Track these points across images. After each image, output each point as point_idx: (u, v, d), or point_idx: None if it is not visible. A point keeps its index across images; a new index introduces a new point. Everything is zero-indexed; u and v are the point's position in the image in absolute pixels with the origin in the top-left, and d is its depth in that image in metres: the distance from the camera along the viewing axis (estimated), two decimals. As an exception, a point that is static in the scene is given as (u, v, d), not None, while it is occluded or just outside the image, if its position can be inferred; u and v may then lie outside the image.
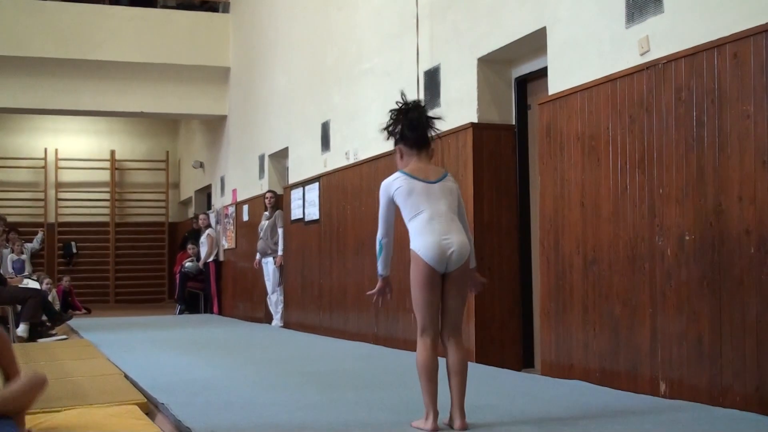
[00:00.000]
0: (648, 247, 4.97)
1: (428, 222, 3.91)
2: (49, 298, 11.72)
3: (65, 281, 15.94)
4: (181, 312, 14.71)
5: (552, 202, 5.88)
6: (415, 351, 7.18)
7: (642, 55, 5.08)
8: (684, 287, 4.68)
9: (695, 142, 4.65)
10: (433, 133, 4.11)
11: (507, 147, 6.84)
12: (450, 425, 3.83)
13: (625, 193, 5.18)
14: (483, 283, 4.27)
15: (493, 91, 6.92)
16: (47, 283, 12.71)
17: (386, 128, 4.13)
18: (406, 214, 4.00)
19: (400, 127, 4.08)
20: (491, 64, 6.89)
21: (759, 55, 4.26)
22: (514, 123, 6.95)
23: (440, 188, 3.99)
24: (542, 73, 6.27)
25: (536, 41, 6.24)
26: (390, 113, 4.12)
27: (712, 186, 4.53)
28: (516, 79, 6.94)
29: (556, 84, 5.90)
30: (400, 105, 4.10)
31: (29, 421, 3.79)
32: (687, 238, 4.68)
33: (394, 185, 4.00)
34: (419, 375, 3.88)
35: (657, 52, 4.96)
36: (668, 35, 4.89)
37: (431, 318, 3.92)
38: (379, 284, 4.13)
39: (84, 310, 15.63)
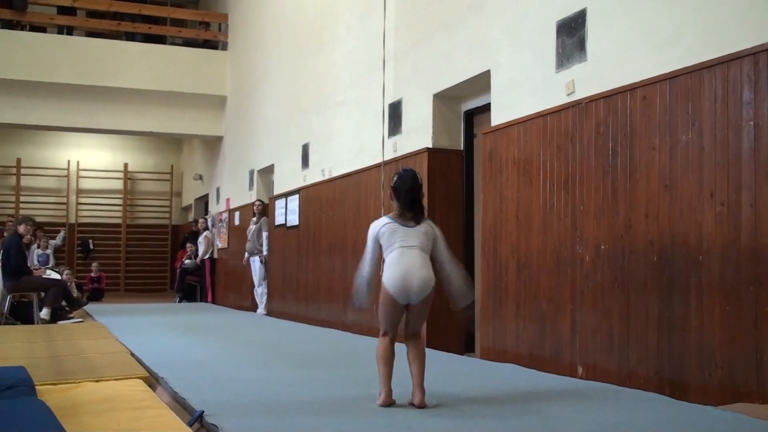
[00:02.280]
0: (570, 254, 5.00)
1: (398, 257, 3.80)
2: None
3: (94, 268, 15.97)
4: (180, 301, 14.57)
5: (492, 215, 5.90)
6: (375, 337, 7.18)
7: (568, 95, 5.13)
8: (599, 288, 4.72)
9: (610, 168, 4.69)
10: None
11: (456, 168, 6.87)
12: (411, 402, 3.77)
13: (552, 209, 5.21)
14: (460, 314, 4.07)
15: (446, 122, 6.94)
16: (67, 274, 12.53)
17: (393, 185, 3.92)
18: (385, 250, 3.87)
19: (396, 180, 3.92)
20: (444, 99, 6.91)
21: (663, 98, 4.32)
22: (462, 149, 6.97)
23: (416, 231, 3.84)
24: (486, 107, 6.30)
25: (482, 81, 6.27)
26: (396, 176, 3.96)
27: (624, 205, 4.57)
28: (464, 112, 6.97)
29: (497, 117, 5.93)
30: (402, 173, 3.95)
31: (47, 392, 3.73)
32: (602, 247, 4.72)
33: (380, 227, 3.87)
34: (378, 363, 3.84)
35: (580, 93, 5.00)
36: (590, 80, 4.94)
37: (392, 326, 3.86)
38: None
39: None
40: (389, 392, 3.79)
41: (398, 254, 3.80)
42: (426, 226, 3.89)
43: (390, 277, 3.79)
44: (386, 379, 3.81)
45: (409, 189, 3.87)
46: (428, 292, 3.83)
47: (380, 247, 3.89)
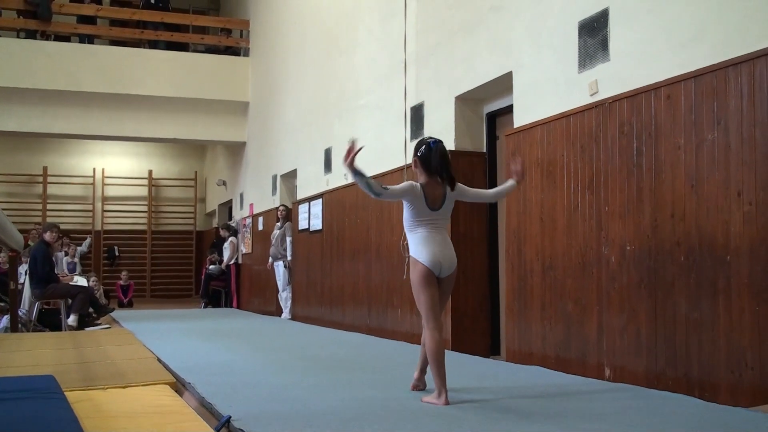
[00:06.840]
0: (595, 255, 4.97)
1: (426, 237, 4.05)
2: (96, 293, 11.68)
3: (123, 277, 16.34)
4: (205, 306, 14.67)
5: (516, 217, 5.88)
6: (400, 341, 7.17)
7: (591, 95, 5.10)
8: (625, 289, 4.69)
9: (635, 168, 4.66)
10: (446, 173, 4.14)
11: (479, 171, 6.85)
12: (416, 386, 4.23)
13: (576, 210, 5.18)
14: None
15: (468, 124, 6.93)
16: (93, 281, 12.66)
17: (418, 154, 4.15)
18: (407, 221, 4.12)
19: (424, 150, 4.13)
20: (466, 102, 6.90)
21: (688, 97, 4.28)
22: (485, 151, 6.95)
23: (441, 213, 4.12)
24: (509, 109, 6.28)
25: (504, 83, 6.25)
26: (420, 142, 4.19)
27: (649, 205, 4.54)
28: (487, 114, 6.95)
29: (520, 118, 5.91)
30: (430, 140, 4.16)
31: (76, 397, 3.77)
32: (628, 248, 4.69)
33: (416, 189, 4.07)
34: (431, 360, 3.94)
35: (604, 93, 4.97)
36: (613, 79, 4.91)
37: (434, 312, 4.01)
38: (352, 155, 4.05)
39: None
40: (447, 392, 3.89)
41: (425, 234, 4.06)
42: (449, 203, 4.15)
43: (421, 251, 4.03)
44: (443, 378, 3.91)
45: (440, 158, 4.10)
46: (454, 268, 4.11)
47: (404, 201, 4.11)
